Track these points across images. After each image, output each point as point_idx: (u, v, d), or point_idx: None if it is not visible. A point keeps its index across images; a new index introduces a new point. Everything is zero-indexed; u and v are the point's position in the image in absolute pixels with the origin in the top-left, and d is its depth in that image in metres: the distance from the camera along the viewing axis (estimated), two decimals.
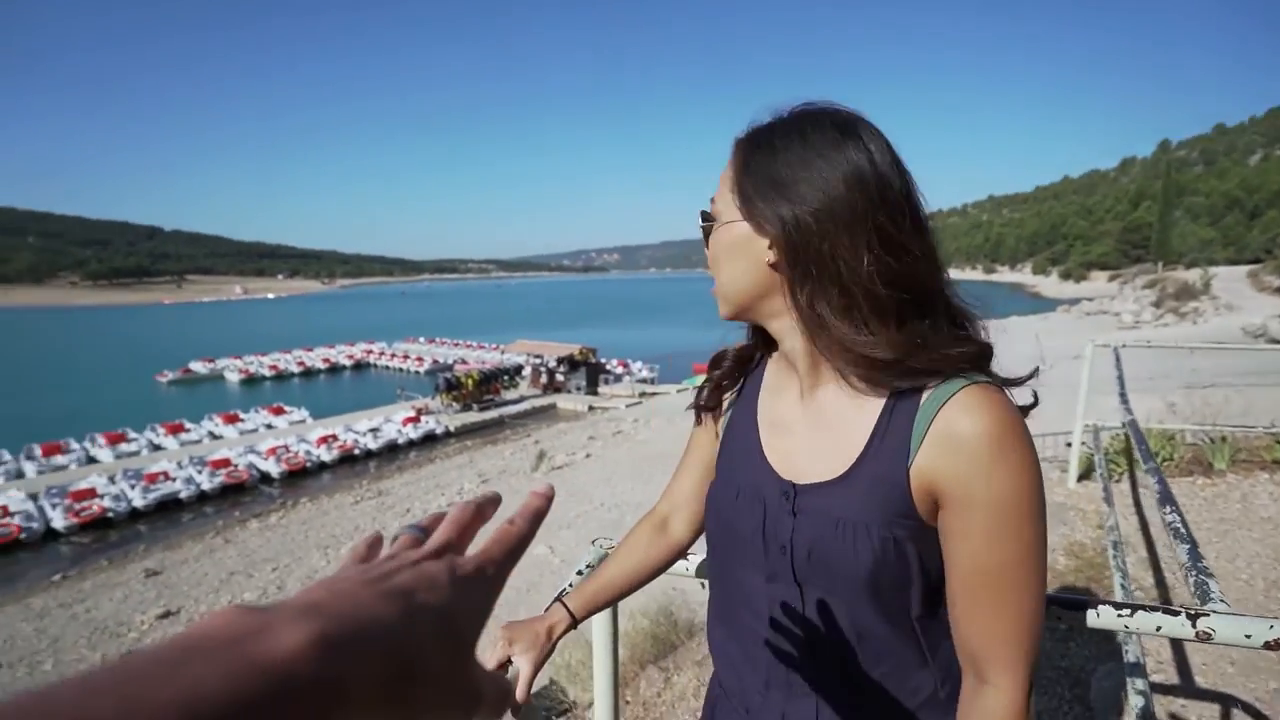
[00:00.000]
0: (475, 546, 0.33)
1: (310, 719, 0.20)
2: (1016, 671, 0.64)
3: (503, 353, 40.03)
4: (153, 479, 17.78)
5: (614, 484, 11.93)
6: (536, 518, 0.34)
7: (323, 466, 20.02)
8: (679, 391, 27.75)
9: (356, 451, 20.92)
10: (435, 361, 39.83)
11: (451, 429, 23.28)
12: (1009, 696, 0.64)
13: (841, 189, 0.65)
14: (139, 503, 16.76)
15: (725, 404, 0.87)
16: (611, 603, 0.91)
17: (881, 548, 0.67)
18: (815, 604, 0.72)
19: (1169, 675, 2.41)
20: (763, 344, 0.84)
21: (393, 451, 21.50)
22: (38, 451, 21.46)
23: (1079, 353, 4.34)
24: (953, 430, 0.64)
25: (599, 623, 1.10)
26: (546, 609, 0.92)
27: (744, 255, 0.71)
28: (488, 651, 0.82)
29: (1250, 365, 10.87)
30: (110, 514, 16.06)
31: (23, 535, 14.90)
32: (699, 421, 0.89)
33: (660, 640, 3.59)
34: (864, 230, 0.64)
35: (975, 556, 0.64)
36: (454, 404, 26.11)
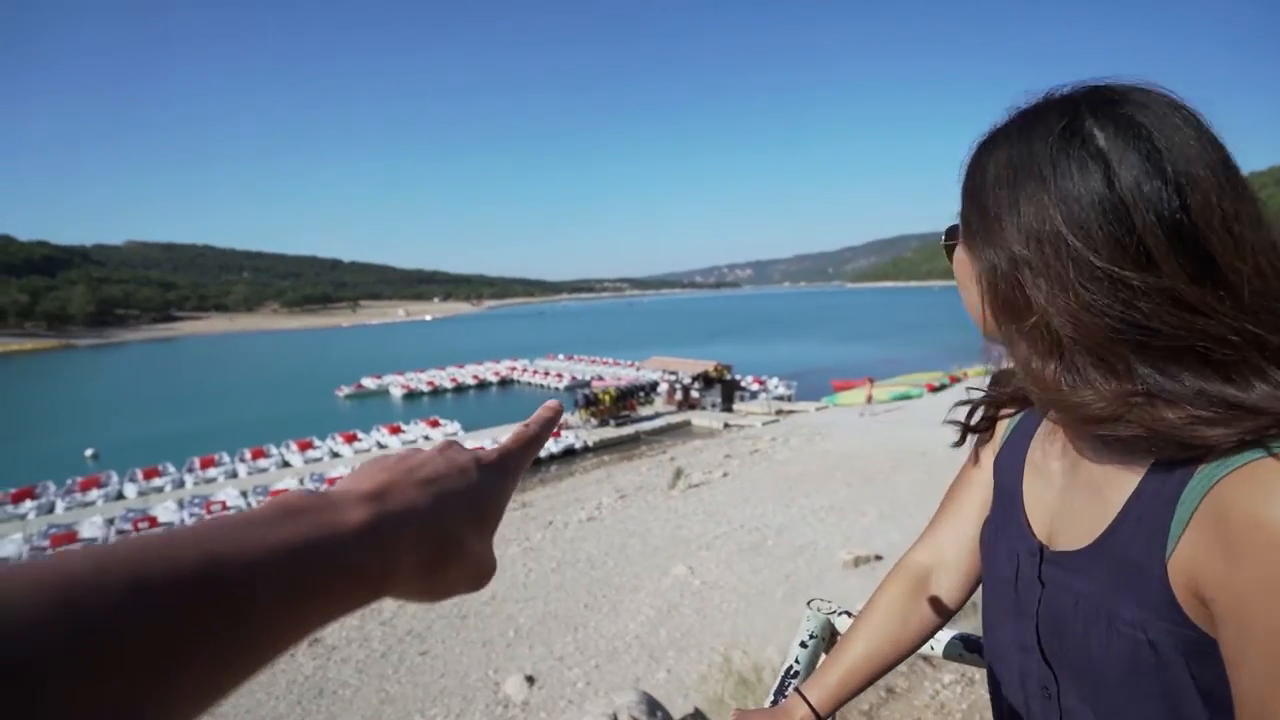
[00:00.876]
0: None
1: (367, 585, 0.25)
2: None
3: (638, 369, 40.78)
4: (331, 484, 20.10)
5: (753, 504, 11.57)
6: (548, 425, 0.39)
7: None
8: (818, 410, 26.62)
9: None
10: (574, 378, 41.41)
11: (590, 444, 23.98)
12: None
13: (1052, 228, 0.50)
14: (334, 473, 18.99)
15: (999, 436, 0.72)
16: (859, 692, 0.75)
17: (1132, 648, 0.51)
18: (1071, 693, 0.58)
19: None
20: None
21: (536, 464, 22.50)
22: (248, 455, 25.01)
23: None
24: (1224, 516, 0.45)
25: None
26: (776, 696, 0.76)
27: (970, 282, 0.61)
28: None
29: None
30: None
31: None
32: (974, 459, 0.74)
33: None
34: (1075, 274, 0.49)
35: (1248, 697, 0.43)
36: (592, 419, 26.92)
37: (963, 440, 0.74)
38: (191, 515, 18.10)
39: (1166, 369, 0.48)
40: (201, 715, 0.19)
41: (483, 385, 45.97)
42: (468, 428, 27.87)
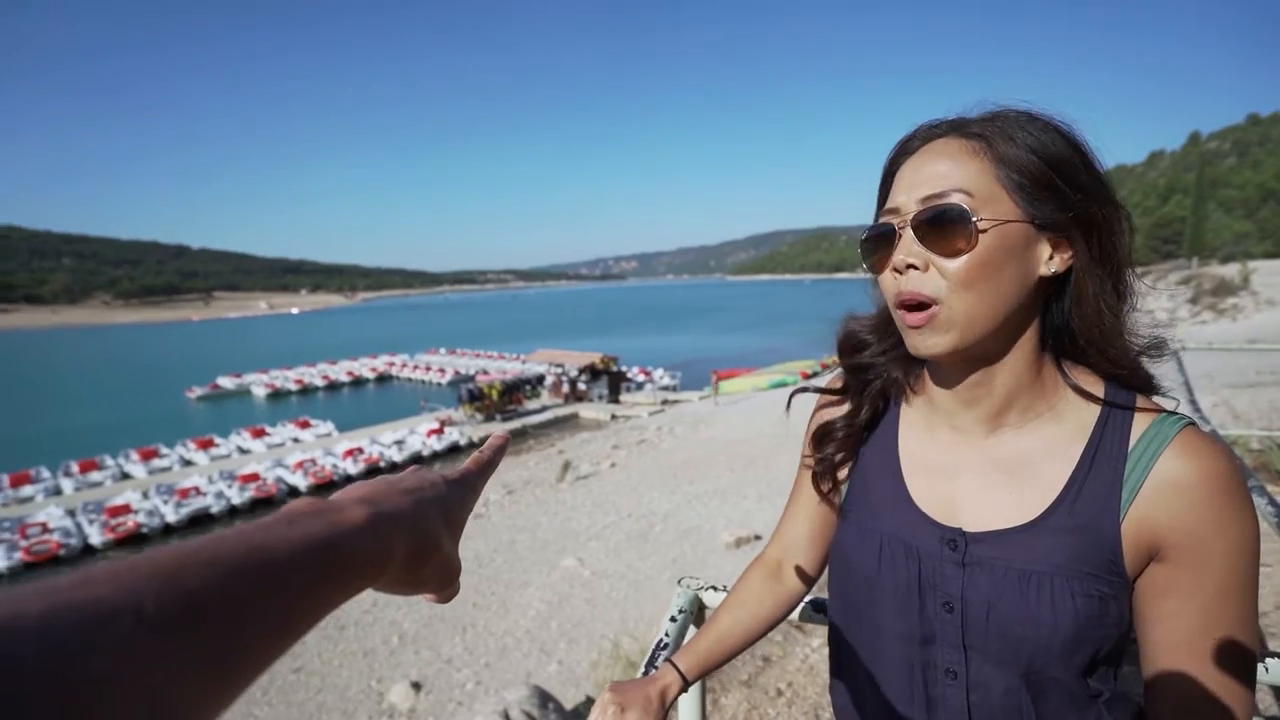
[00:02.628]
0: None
1: (371, 569, 0.30)
2: None
3: (524, 363, 40.17)
4: (184, 494, 18.07)
5: (640, 493, 11.83)
6: (500, 450, 0.47)
7: (349, 479, 20.16)
8: (701, 399, 27.59)
9: (382, 464, 21.08)
10: (457, 373, 40.08)
11: (475, 440, 23.36)
12: None
13: (1103, 176, 0.62)
14: (171, 518, 17.03)
15: (840, 444, 0.78)
16: (725, 660, 0.83)
17: (1084, 605, 0.60)
18: (982, 668, 0.64)
19: None
20: (898, 381, 0.74)
21: (418, 463, 20.79)
22: (75, 468, 21.89)
23: None
24: (1180, 480, 0.59)
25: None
26: (647, 668, 0.84)
27: (1018, 264, 0.60)
28: (597, 716, 0.75)
29: None
30: (144, 529, 16.33)
31: (62, 551, 15.23)
32: (809, 470, 0.80)
33: None
34: (1122, 217, 0.62)
35: (1206, 612, 0.58)
36: (477, 415, 26.22)
37: (819, 483, 0.79)
38: None
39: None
40: (251, 683, 0.23)
41: (358, 382, 43.32)
42: (343, 427, 26.19)
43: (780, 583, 0.86)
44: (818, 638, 3.67)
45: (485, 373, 36.70)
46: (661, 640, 0.90)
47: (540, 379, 31.16)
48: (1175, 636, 0.59)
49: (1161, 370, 0.68)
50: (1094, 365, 0.65)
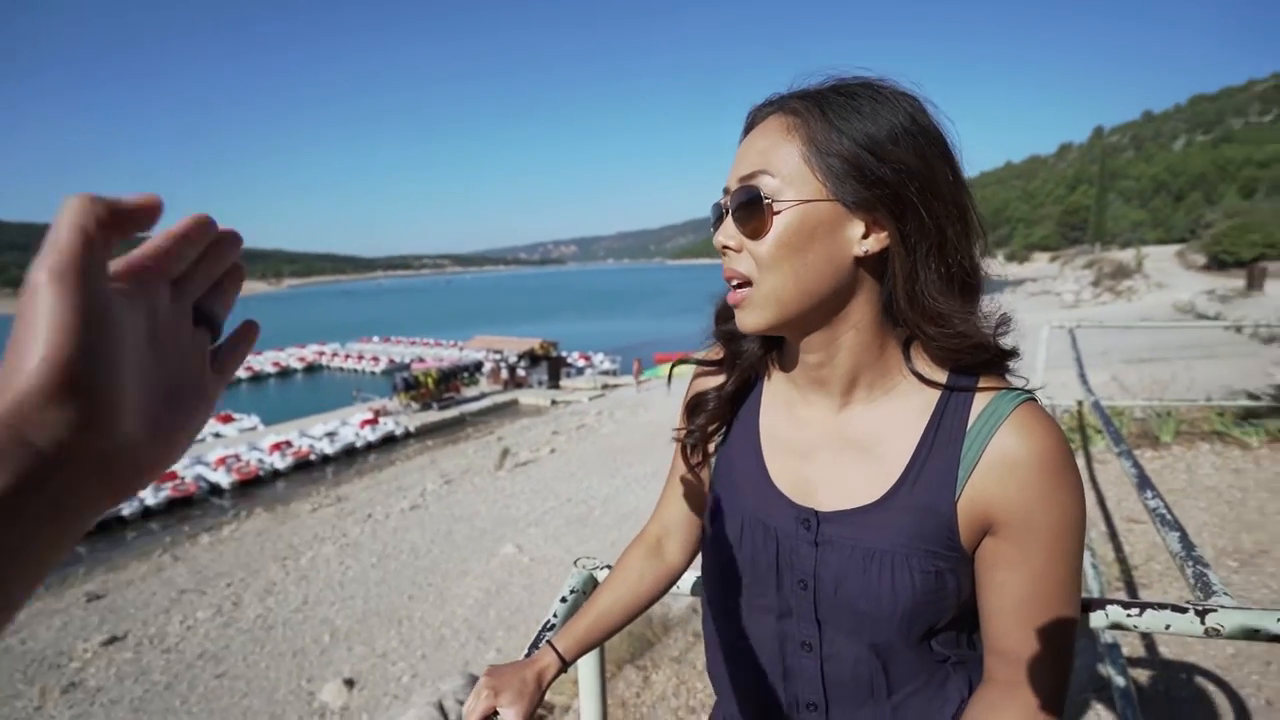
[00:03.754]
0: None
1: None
2: (1060, 678, 0.63)
3: (461, 349, 39.28)
4: None
5: (579, 478, 11.83)
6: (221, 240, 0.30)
7: (276, 474, 19.30)
8: (640, 383, 27.74)
9: (313, 457, 20.24)
10: (391, 361, 38.76)
11: (411, 429, 22.74)
12: (1053, 701, 0.63)
13: (935, 152, 0.59)
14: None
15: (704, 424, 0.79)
16: (606, 638, 0.84)
17: (922, 581, 0.63)
18: (835, 640, 0.68)
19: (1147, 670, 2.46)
20: (764, 358, 0.76)
21: (351, 455, 20.89)
22: None
23: (1026, 333, 4.45)
24: (1011, 458, 0.61)
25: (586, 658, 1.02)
26: (530, 649, 0.84)
27: (826, 244, 0.60)
28: (471, 702, 0.74)
29: (1188, 339, 11.46)
30: None
31: None
32: (682, 449, 0.81)
33: (636, 638, 3.55)
34: (954, 201, 0.60)
35: (1034, 580, 0.62)
36: (413, 403, 25.49)
37: (689, 466, 0.81)
38: None
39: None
40: None
41: (285, 373, 41.27)
42: (268, 420, 25.02)
43: (660, 559, 0.87)
44: None
45: (421, 360, 35.64)
46: (548, 621, 0.90)
47: (479, 366, 30.55)
48: (1004, 602, 0.63)
49: (1028, 349, 0.71)
50: (928, 347, 0.64)
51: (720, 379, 0.78)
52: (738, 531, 0.72)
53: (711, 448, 0.79)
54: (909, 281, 0.60)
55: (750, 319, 0.64)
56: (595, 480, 11.54)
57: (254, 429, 24.53)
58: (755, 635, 0.72)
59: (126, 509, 16.48)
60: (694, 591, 1.00)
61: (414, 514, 11.40)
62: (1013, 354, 0.66)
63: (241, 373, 39.82)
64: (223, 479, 18.49)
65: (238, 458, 19.60)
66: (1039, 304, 31.51)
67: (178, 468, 18.81)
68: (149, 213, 0.27)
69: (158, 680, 6.73)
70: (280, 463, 19.60)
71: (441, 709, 4.21)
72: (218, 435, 23.94)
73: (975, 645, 0.70)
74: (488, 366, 30.70)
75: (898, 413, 0.66)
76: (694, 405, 0.79)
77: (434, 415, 24.51)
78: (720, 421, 0.77)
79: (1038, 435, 0.61)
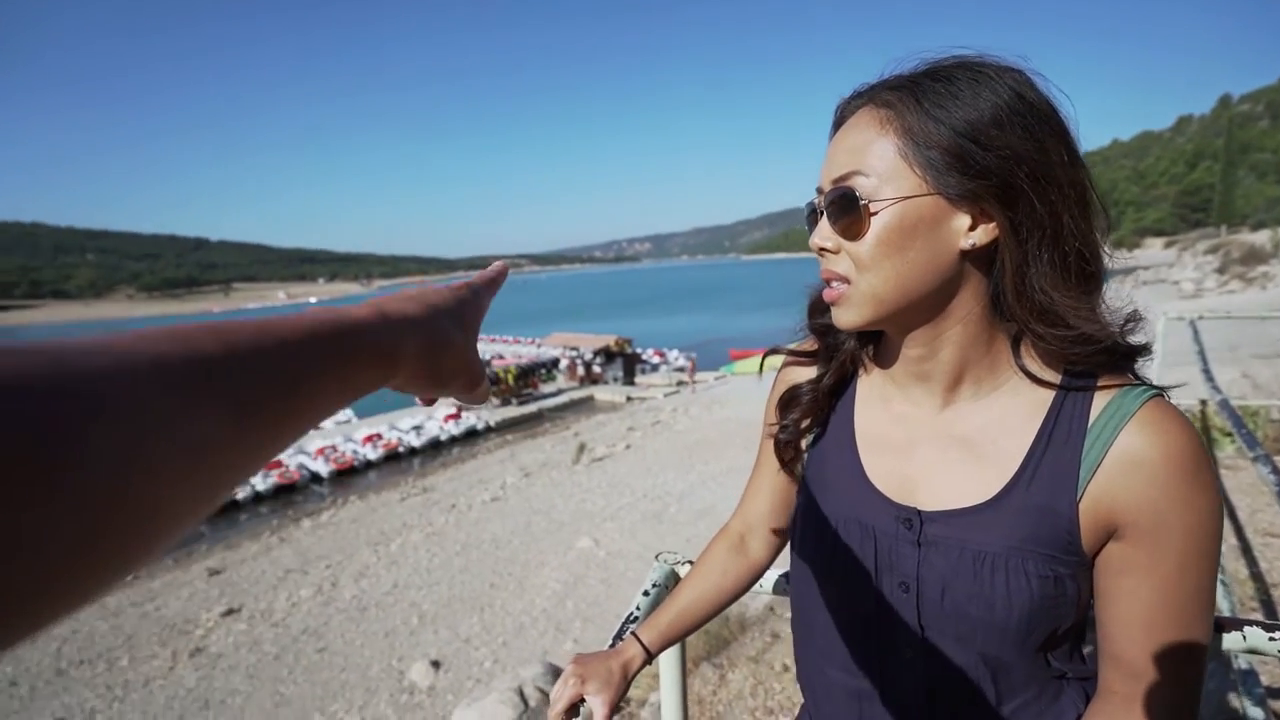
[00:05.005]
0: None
1: (382, 357, 0.31)
2: (1188, 699, 0.58)
3: (539, 346, 40.30)
4: None
5: (655, 474, 11.90)
6: (501, 274, 0.48)
7: (369, 465, 20.48)
8: (717, 379, 27.56)
9: (401, 449, 21.34)
10: None
11: (492, 424, 23.55)
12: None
13: (1046, 131, 0.55)
14: None
15: (798, 421, 0.76)
16: (689, 633, 0.84)
17: (1040, 586, 0.59)
18: (940, 646, 0.64)
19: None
20: (837, 358, 0.73)
21: (436, 448, 21.87)
22: None
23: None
24: (1139, 456, 0.56)
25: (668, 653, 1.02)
26: (614, 640, 0.85)
27: (928, 240, 0.57)
28: (558, 688, 0.76)
29: None
30: None
31: None
32: (772, 444, 0.79)
33: (713, 636, 3.53)
34: (1070, 182, 0.55)
35: (1163, 588, 0.57)
36: (494, 399, 26.42)
37: (780, 451, 0.77)
38: None
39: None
40: (279, 450, 0.25)
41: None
42: (361, 414, 26.52)
43: (743, 555, 0.86)
44: None
45: (501, 357, 36.83)
46: (631, 614, 0.91)
47: (555, 362, 31.28)
48: (1131, 613, 0.58)
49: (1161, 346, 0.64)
50: (1037, 345, 0.60)
51: (813, 372, 0.75)
52: (831, 530, 0.70)
53: (804, 444, 0.77)
54: (1018, 274, 0.56)
55: (847, 316, 0.62)
56: (670, 476, 11.56)
57: (348, 422, 26.09)
58: (850, 639, 0.70)
59: (240, 493, 18.01)
60: (775, 590, 0.98)
61: (494, 505, 11.81)
62: (1143, 350, 0.60)
63: None
64: (321, 468, 19.80)
65: (335, 448, 20.94)
66: (1153, 294, 28.91)
67: (283, 456, 20.31)
68: (505, 272, 0.49)
69: (268, 651, 7.30)
70: (372, 454, 20.78)
71: (522, 695, 4.35)
72: (317, 428, 25.66)
73: (1093, 660, 0.65)
74: (564, 363, 31.34)
75: (1008, 410, 0.62)
76: (787, 400, 0.76)
77: (513, 410, 25.28)
78: (816, 417, 0.75)
79: (1170, 432, 0.56)
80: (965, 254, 0.58)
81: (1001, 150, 0.54)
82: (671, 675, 1.00)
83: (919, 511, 0.65)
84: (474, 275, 0.46)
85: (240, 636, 7.84)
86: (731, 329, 53.85)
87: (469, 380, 0.39)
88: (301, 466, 19.82)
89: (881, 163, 0.57)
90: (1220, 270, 32.05)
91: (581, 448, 14.82)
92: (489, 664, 6.25)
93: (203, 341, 0.23)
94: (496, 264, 0.49)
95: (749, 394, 20.58)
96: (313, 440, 22.59)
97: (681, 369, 32.58)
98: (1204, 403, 3.74)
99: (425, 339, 0.35)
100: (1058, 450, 0.59)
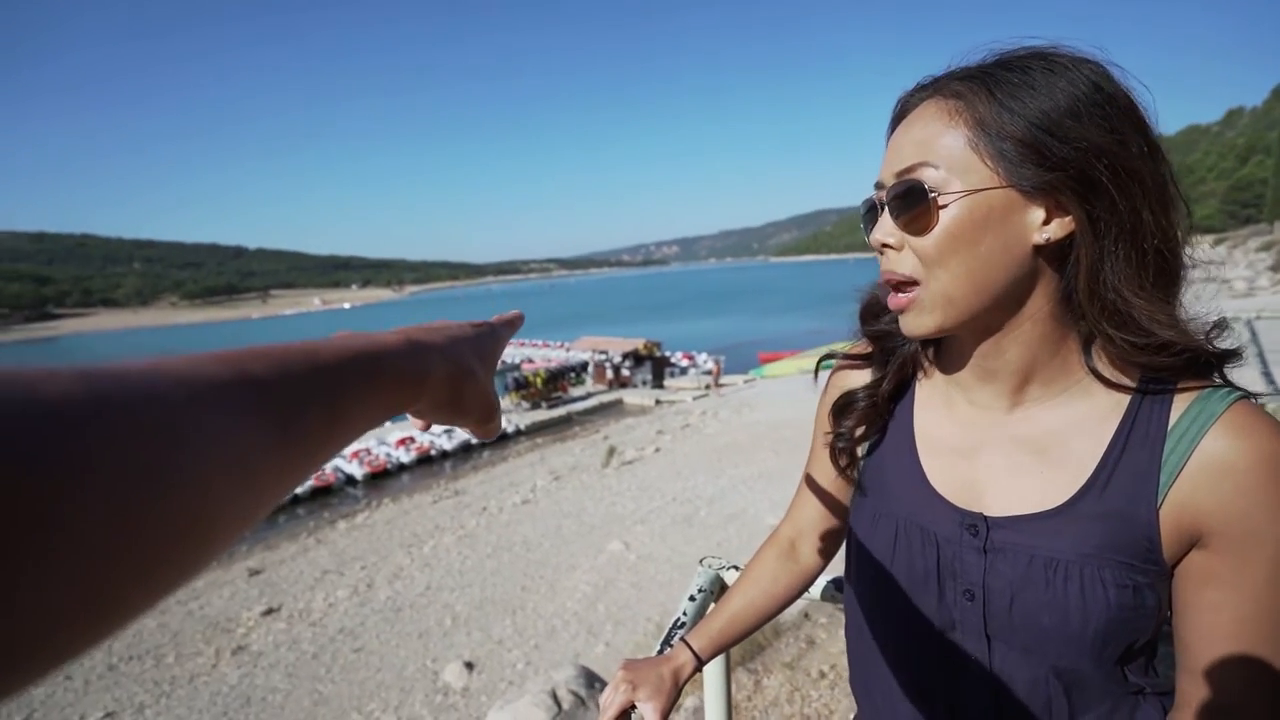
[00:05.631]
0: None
1: (410, 382, 0.33)
2: (1277, 715, 0.55)
3: (568, 350, 40.54)
4: None
5: (685, 478, 11.84)
6: (518, 319, 0.50)
7: (402, 467, 20.82)
8: (746, 382, 27.37)
9: (433, 452, 21.65)
10: (503, 361, 40.50)
11: (522, 427, 23.75)
12: None
13: (1125, 123, 0.53)
14: None
15: (854, 425, 0.74)
16: (739, 640, 0.83)
17: (1117, 596, 0.56)
18: (1008, 658, 0.61)
19: None
20: (893, 363, 0.71)
21: (467, 451, 22.14)
22: None
23: None
24: (1227, 461, 0.53)
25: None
26: (662, 646, 0.84)
27: (1000, 234, 0.54)
28: (609, 695, 0.75)
29: None
30: None
31: None
32: (826, 446, 0.77)
33: (748, 641, 3.49)
34: (1151, 175, 0.53)
35: (1253, 601, 0.54)
36: (523, 402, 26.63)
37: (835, 458, 0.75)
38: None
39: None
40: (317, 467, 0.27)
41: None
42: (394, 418, 26.99)
43: (794, 561, 0.84)
44: None
45: (530, 361, 37.15)
46: (679, 619, 0.89)
47: (584, 366, 31.42)
48: (1216, 628, 0.55)
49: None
50: (1107, 347, 0.57)
51: (868, 376, 0.73)
52: (890, 536, 0.68)
53: (861, 450, 0.75)
54: (1092, 271, 0.54)
55: (919, 324, 0.59)
56: (700, 480, 11.50)
57: (381, 425, 26.59)
58: (911, 649, 0.67)
59: None
60: (823, 596, 0.96)
61: (525, 508, 11.89)
62: (1232, 356, 0.57)
63: None
64: (356, 471, 20.20)
65: (369, 451, 21.34)
66: (1202, 293, 27.78)
67: None
68: (522, 317, 0.51)
69: (306, 650, 7.45)
70: (405, 457, 21.13)
71: (555, 697, 4.35)
72: None
73: (1170, 674, 0.62)
74: (593, 367, 31.47)
75: (1080, 412, 0.59)
76: (842, 406, 0.74)
77: (543, 414, 25.47)
78: (873, 424, 0.73)
79: (1260, 436, 0.53)
80: (1039, 249, 0.56)
81: (1079, 142, 0.52)
82: (716, 681, 0.99)
83: (984, 517, 0.62)
84: (494, 317, 0.48)
85: (280, 635, 8.01)
86: (760, 332, 53.47)
87: (484, 413, 0.40)
88: (337, 469, 20.23)
89: (951, 154, 0.55)
90: (1274, 268, 30.75)
91: (611, 451, 14.85)
92: (521, 666, 6.28)
93: (252, 365, 0.24)
94: (514, 311, 0.50)
95: (779, 397, 20.39)
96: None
97: (709, 372, 32.46)
98: (1263, 405, 3.59)
99: (450, 368, 0.36)
100: (1135, 454, 0.56)
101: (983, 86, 0.55)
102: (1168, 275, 0.55)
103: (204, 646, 8.11)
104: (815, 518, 0.83)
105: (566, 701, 4.32)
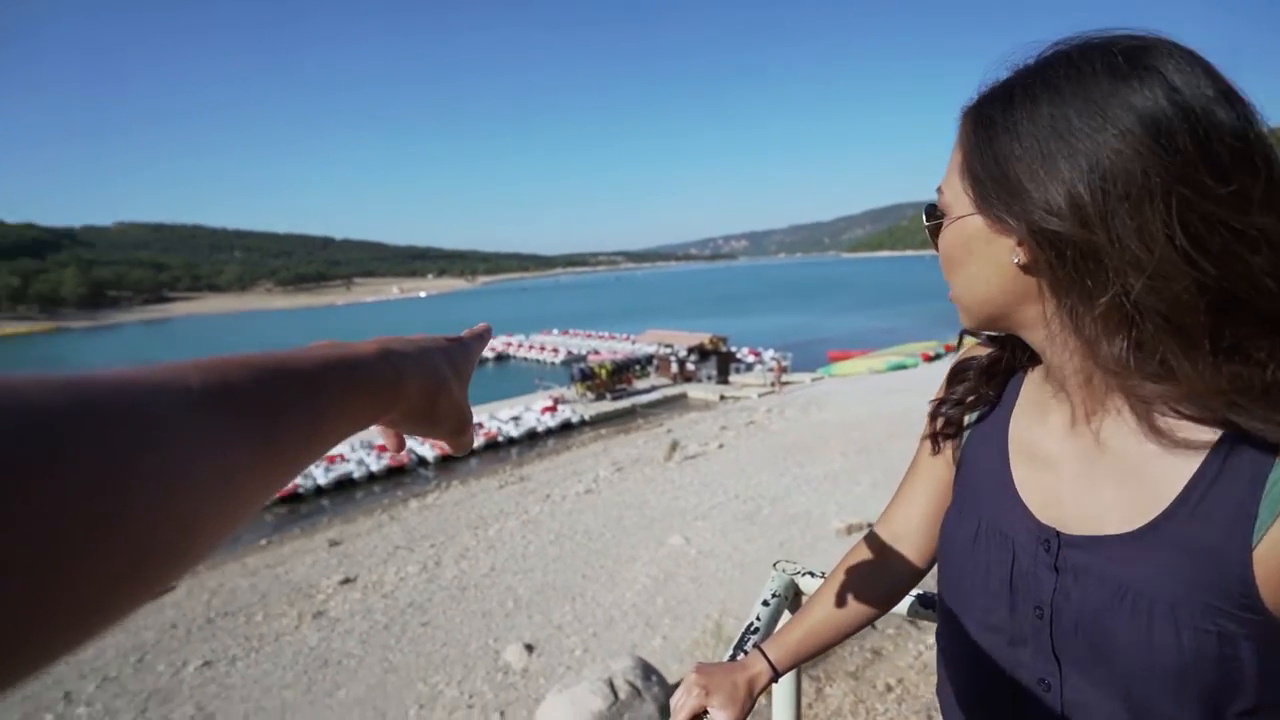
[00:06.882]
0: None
1: (385, 391, 0.33)
2: None
3: (634, 343, 40.77)
4: (332, 460, 20.13)
5: (748, 475, 11.69)
6: (487, 331, 0.50)
7: (471, 452, 21.46)
8: (813, 380, 26.76)
9: (500, 439, 22.29)
10: (570, 353, 41.37)
11: (586, 418, 24.09)
12: None
13: (1123, 150, 0.46)
14: (322, 481, 19.02)
15: (965, 421, 0.71)
16: (819, 653, 0.78)
17: (1195, 642, 0.49)
18: (1079, 684, 0.56)
19: None
20: (1019, 352, 0.67)
21: (532, 439, 22.66)
22: None
23: None
24: None
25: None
26: (735, 652, 0.80)
27: (982, 257, 0.56)
28: (680, 697, 0.72)
29: None
30: (300, 490, 18.38)
31: None
32: (932, 446, 0.73)
33: None
34: (1156, 209, 0.45)
35: None
36: (589, 393, 26.99)
37: (936, 450, 0.73)
38: None
39: (1250, 340, 0.46)
40: (294, 475, 0.27)
41: (479, 361, 45.69)
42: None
43: (885, 572, 0.79)
44: (934, 634, 3.47)
45: (596, 352, 37.62)
46: (752, 624, 0.86)
47: (649, 359, 31.51)
48: None
49: None
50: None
51: (994, 352, 0.70)
52: (971, 538, 0.65)
53: (967, 420, 0.71)
54: (1071, 313, 0.52)
55: (961, 317, 0.64)
56: (764, 478, 11.33)
57: (358, 433, 27.54)
58: (985, 659, 0.63)
59: (357, 473, 19.55)
60: (909, 613, 0.90)
61: (588, 498, 12.05)
62: None
63: None
64: (428, 453, 21.03)
65: None
66: None
67: None
68: (490, 332, 0.51)
69: (378, 620, 7.83)
70: (474, 442, 21.87)
71: (612, 687, 4.39)
72: None
73: None
74: (658, 360, 31.52)
75: (1171, 427, 0.51)
76: (958, 370, 0.72)
77: (607, 405, 25.73)
78: (983, 394, 0.69)
79: None
80: (1025, 268, 0.54)
81: (1026, 201, 0.50)
82: (786, 692, 0.95)
83: (1058, 533, 0.58)
84: (464, 331, 0.48)
85: (355, 604, 8.45)
86: (830, 329, 52.07)
87: (458, 424, 0.40)
88: (410, 450, 21.16)
89: (951, 180, 0.59)
90: None
91: (674, 445, 14.83)
92: (579, 652, 6.37)
93: (233, 374, 0.24)
94: (482, 324, 0.51)
95: (848, 397, 19.81)
96: None
97: (773, 369, 31.94)
98: None
99: (424, 378, 0.37)
100: (1230, 482, 0.49)
101: (990, 101, 0.55)
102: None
103: (288, 609, 8.66)
104: (914, 523, 0.77)
105: (623, 692, 4.34)
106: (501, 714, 5.54)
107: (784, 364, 28.91)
